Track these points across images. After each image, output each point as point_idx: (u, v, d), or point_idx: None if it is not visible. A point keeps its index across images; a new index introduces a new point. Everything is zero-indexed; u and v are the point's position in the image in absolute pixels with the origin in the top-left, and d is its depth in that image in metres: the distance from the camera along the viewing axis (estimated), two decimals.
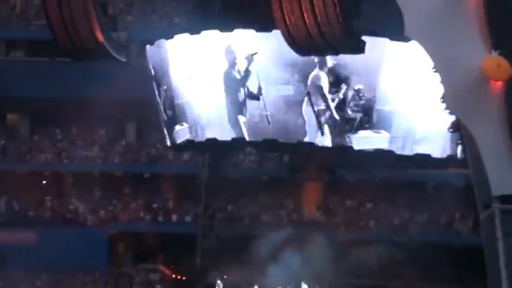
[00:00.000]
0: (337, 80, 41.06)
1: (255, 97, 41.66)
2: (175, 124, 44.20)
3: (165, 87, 44.17)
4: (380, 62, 40.13)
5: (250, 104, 42.45)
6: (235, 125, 43.03)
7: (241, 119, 42.89)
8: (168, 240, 60.32)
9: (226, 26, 41.24)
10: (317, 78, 40.81)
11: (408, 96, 39.53)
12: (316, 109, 41.63)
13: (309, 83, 41.62)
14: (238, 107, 42.73)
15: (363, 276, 50.08)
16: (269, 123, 41.83)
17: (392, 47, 38.60)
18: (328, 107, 41.16)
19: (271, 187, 55.65)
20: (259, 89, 41.33)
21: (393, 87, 40.02)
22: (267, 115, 41.70)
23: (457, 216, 55.40)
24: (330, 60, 39.77)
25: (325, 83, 40.89)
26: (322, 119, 41.50)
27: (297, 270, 48.74)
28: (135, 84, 47.26)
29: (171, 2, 54.72)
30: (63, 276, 53.28)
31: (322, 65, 40.44)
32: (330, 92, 41.18)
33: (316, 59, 39.46)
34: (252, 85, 41.89)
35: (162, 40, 44.40)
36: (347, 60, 39.55)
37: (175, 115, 44.08)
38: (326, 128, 41.33)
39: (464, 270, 41.54)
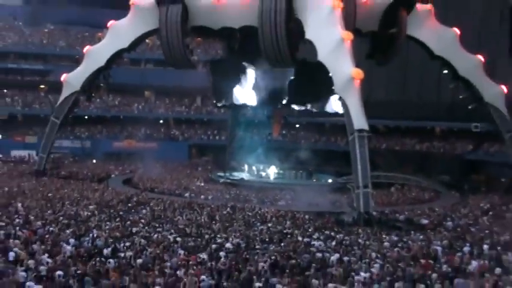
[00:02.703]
0: None
1: None
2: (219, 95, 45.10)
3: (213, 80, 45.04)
4: None
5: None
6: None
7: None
8: (214, 147, 60.02)
9: (241, 58, 42.68)
10: None
11: None
12: None
13: None
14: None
15: (301, 164, 48.50)
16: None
17: None
18: None
19: (259, 125, 54.74)
20: None
21: None
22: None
23: (339, 138, 54.13)
24: None
25: None
26: None
27: (272, 160, 49.16)
28: (201, 79, 47.22)
29: (217, 44, 54.76)
30: (172, 166, 53.21)
31: None
32: None
33: None
34: None
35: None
36: None
37: (217, 93, 44.87)
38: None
39: (342, 163, 41.87)
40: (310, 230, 25.20)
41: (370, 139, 32.30)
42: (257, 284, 15.27)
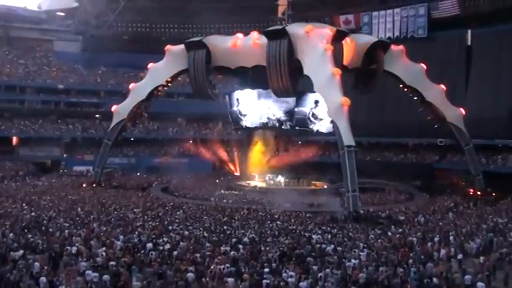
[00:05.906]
0: None
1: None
2: (235, 120, 44.50)
3: (231, 108, 44.99)
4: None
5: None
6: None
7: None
8: (233, 162, 59.45)
9: (253, 85, 41.79)
10: None
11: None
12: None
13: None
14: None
15: (302, 173, 48.22)
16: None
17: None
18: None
19: (267, 143, 54.43)
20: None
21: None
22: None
23: (332, 152, 52.20)
24: None
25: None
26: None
27: (279, 171, 48.49)
28: (222, 107, 46.29)
29: (234, 79, 54.29)
30: (199, 176, 50.82)
31: None
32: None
33: None
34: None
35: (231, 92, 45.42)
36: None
37: (234, 118, 44.22)
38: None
39: (335, 170, 40.89)
40: (310, 226, 25.02)
41: (357, 153, 31.97)
42: (267, 270, 15.16)
